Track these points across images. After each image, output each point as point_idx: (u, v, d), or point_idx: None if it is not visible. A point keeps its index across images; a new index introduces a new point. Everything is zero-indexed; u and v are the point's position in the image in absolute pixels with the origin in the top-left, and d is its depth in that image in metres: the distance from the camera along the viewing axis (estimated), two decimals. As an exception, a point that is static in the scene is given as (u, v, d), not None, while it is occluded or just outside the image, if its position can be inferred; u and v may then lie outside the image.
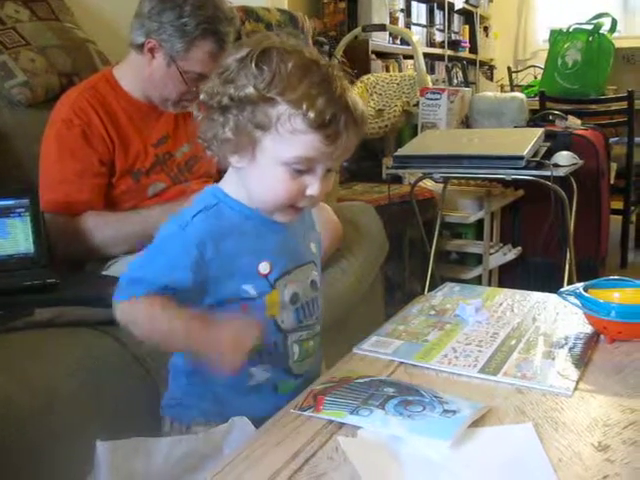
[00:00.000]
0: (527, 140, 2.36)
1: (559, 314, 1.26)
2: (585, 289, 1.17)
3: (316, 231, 1.13)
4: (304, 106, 0.88)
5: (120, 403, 1.19)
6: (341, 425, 0.86)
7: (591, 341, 1.13)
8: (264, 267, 0.98)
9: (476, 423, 0.86)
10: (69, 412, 1.11)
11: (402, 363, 1.06)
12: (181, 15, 1.58)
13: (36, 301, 1.32)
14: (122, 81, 1.71)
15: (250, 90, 0.89)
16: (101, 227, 1.59)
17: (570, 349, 1.10)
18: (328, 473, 0.77)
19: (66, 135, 1.61)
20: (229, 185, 1.00)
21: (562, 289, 1.20)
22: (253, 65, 0.90)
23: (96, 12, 2.31)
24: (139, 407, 1.17)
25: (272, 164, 0.92)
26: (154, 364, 1.22)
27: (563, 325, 1.21)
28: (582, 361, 1.05)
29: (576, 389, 0.97)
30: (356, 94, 0.95)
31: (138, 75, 1.69)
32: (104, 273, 1.60)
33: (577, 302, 1.15)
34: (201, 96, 0.96)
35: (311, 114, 0.88)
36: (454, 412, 0.87)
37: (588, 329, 1.17)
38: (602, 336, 1.15)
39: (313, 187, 0.94)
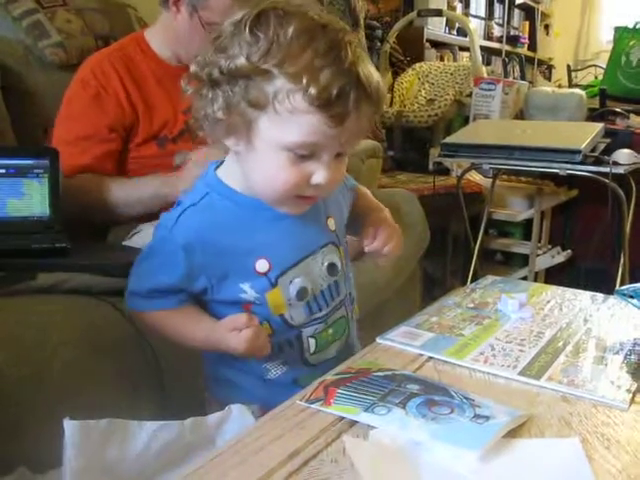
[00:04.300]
0: (585, 134, 2.21)
1: (614, 316, 1.11)
2: (647, 290, 1.03)
3: (342, 194, 1.00)
4: (304, 80, 0.75)
5: (117, 376, 1.09)
6: (353, 423, 0.74)
7: (651, 349, 0.99)
8: (262, 265, 0.87)
9: (512, 433, 0.73)
10: (61, 384, 1.01)
11: (431, 358, 0.93)
12: None
13: (42, 265, 1.24)
14: (153, 43, 1.66)
15: (242, 61, 0.77)
16: (87, 190, 1.51)
17: (626, 356, 0.95)
18: (330, 479, 0.64)
19: (80, 95, 1.57)
20: (226, 171, 0.90)
21: (620, 288, 1.06)
22: (247, 31, 0.77)
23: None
24: (138, 381, 1.07)
25: (270, 149, 0.80)
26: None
27: (619, 328, 1.06)
28: (640, 370, 0.91)
29: (633, 402, 0.83)
30: (371, 66, 0.81)
31: (167, 34, 1.63)
32: (125, 243, 1.53)
33: (638, 303, 1.01)
34: (191, 67, 0.84)
35: (313, 90, 0.74)
36: (487, 418, 0.74)
37: (648, 335, 1.03)
38: (664, 344, 1.00)
39: (319, 175, 0.81)
